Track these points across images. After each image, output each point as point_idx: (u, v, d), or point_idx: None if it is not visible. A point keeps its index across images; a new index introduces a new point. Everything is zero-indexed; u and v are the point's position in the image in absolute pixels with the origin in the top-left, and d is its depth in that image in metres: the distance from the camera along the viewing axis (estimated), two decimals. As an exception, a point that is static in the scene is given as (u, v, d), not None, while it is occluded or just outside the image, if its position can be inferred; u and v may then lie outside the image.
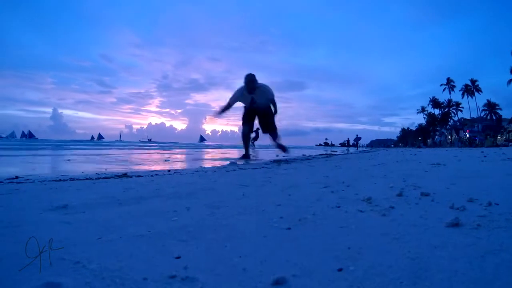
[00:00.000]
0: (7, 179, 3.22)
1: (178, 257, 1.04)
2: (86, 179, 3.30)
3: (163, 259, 1.03)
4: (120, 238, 1.24)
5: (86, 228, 1.39)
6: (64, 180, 3.16)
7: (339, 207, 1.72)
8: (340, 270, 0.93)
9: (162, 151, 15.30)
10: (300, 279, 0.88)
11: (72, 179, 3.28)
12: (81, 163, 6.46)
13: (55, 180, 3.15)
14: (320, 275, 0.90)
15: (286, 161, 6.55)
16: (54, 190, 2.44)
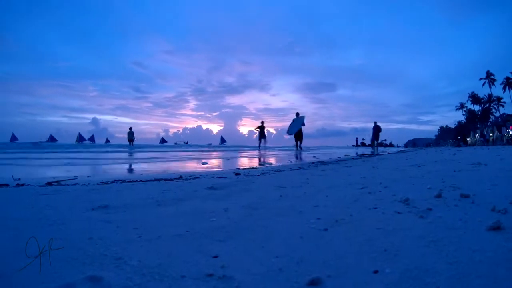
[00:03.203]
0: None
1: (216, 257, 1.05)
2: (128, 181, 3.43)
3: (201, 258, 1.04)
4: (159, 237, 1.26)
5: (126, 227, 1.43)
6: (106, 183, 3.29)
7: (376, 208, 1.68)
8: (375, 272, 0.90)
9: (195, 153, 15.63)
10: (335, 280, 0.86)
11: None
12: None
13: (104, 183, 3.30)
14: (356, 277, 0.88)
15: (323, 162, 6.51)
16: (96, 191, 2.55)
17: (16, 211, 1.82)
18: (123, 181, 3.46)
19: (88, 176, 4.09)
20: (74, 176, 3.90)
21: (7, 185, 3.00)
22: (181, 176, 3.96)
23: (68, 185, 3.14)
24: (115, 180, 3.57)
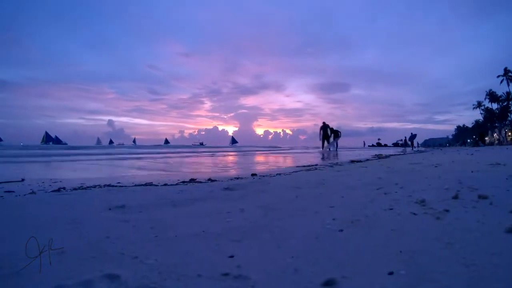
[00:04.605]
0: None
1: (231, 256, 1.05)
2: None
3: (217, 257, 1.05)
4: (176, 237, 1.27)
5: (143, 227, 1.45)
6: (123, 186, 3.34)
7: (391, 209, 1.65)
8: (390, 273, 0.89)
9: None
10: (349, 280, 0.85)
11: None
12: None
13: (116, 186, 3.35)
14: (370, 278, 0.87)
15: (339, 163, 6.47)
16: (113, 191, 2.59)
17: (35, 210, 1.86)
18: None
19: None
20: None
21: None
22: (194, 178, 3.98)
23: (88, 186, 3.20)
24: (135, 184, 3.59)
